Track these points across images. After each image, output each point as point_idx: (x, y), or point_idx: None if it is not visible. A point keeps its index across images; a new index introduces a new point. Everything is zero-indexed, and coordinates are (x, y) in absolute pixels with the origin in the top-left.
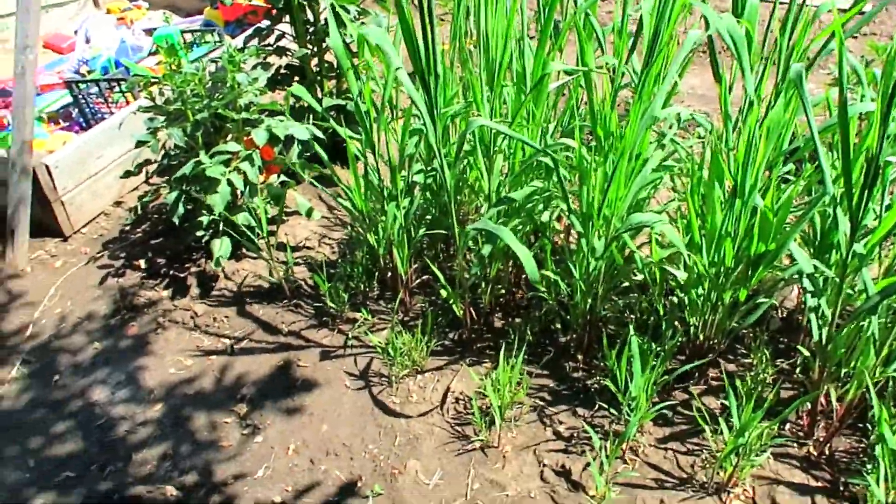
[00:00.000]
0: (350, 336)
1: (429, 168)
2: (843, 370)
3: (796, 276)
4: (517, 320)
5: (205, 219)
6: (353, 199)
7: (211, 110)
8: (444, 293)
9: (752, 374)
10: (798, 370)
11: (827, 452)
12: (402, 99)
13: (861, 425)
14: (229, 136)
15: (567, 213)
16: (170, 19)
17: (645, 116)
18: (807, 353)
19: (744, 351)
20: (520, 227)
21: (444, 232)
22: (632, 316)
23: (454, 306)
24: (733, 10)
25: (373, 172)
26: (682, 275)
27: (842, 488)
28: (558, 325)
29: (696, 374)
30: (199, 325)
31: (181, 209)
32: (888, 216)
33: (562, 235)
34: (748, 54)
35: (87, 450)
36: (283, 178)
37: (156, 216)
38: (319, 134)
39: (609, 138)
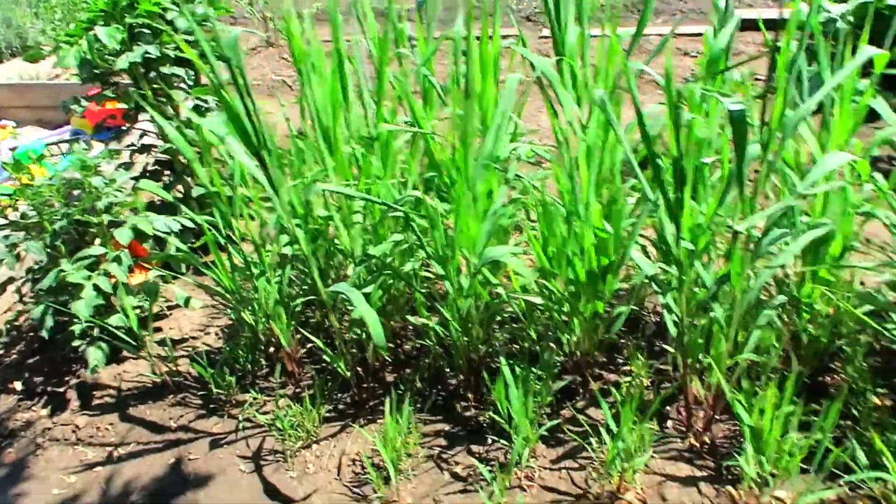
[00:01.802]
0: (241, 419)
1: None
2: (706, 361)
3: (646, 281)
4: (408, 371)
5: (77, 327)
6: (220, 281)
7: (69, 218)
8: (327, 358)
9: (630, 379)
10: (672, 370)
11: (708, 441)
12: None
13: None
14: (97, 241)
15: (427, 259)
16: (17, 136)
17: (479, 158)
18: (670, 349)
19: (623, 359)
20: (390, 281)
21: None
22: (513, 346)
23: (339, 368)
24: (555, 49)
25: (237, 252)
26: (538, 300)
27: (724, 472)
28: (447, 369)
29: (581, 390)
30: (82, 439)
31: (49, 321)
32: (707, 211)
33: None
34: (571, 88)
35: None
36: (158, 272)
37: (30, 334)
38: (189, 224)
39: (454, 184)
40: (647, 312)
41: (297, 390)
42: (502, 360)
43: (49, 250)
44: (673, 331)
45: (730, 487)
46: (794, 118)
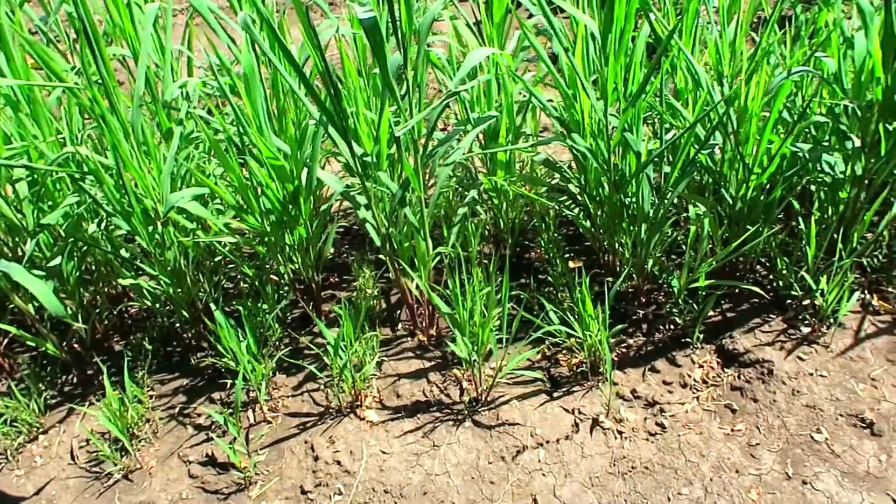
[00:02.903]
0: None
1: None
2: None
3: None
4: (138, 335)
5: None
6: None
7: None
8: (31, 342)
9: (357, 293)
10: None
11: (434, 335)
12: None
13: None
14: None
15: (108, 217)
16: None
17: (134, 100)
18: (383, 258)
19: (350, 277)
20: (82, 248)
21: None
22: (238, 287)
23: (47, 349)
24: None
25: None
26: (232, 238)
27: (449, 359)
28: (176, 324)
29: (315, 314)
30: None
31: None
32: (380, 121)
33: None
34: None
35: None
36: None
37: None
38: None
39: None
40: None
41: (14, 383)
42: (212, 305)
43: None
44: (377, 240)
45: (455, 370)
46: (424, 22)
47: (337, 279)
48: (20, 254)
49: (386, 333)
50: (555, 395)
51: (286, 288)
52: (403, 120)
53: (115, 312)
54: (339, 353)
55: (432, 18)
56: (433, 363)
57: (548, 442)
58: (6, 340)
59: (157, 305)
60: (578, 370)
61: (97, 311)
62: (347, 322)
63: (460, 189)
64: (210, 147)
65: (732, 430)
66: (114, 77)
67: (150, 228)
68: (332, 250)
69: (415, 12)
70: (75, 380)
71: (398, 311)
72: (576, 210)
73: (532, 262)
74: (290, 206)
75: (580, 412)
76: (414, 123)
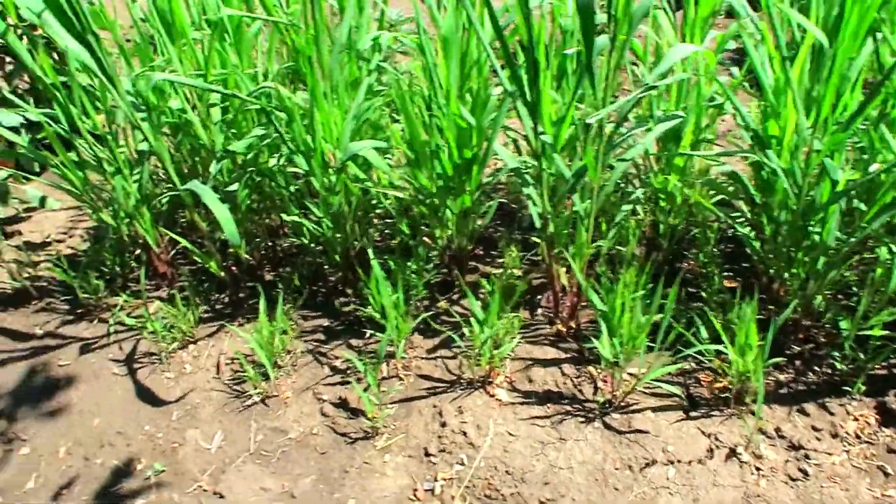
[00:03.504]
0: (112, 323)
1: None
2: (571, 251)
3: (512, 174)
4: (287, 269)
5: None
6: (68, 178)
7: None
8: (198, 258)
9: (502, 271)
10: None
11: (573, 326)
12: None
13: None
14: None
15: (289, 154)
16: None
17: (335, 46)
18: (538, 241)
19: (498, 252)
20: (256, 179)
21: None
22: (390, 241)
23: (211, 268)
24: None
25: (88, 148)
26: (401, 194)
27: (586, 354)
28: (325, 266)
29: (456, 283)
30: None
31: None
32: (565, 104)
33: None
34: None
35: None
36: (9, 172)
37: None
38: (32, 118)
39: (313, 72)
40: (521, 206)
41: (172, 292)
42: (371, 254)
43: None
44: (538, 222)
45: (591, 368)
46: (640, 8)
47: (481, 251)
48: (199, 174)
49: (524, 316)
50: (692, 414)
51: (435, 252)
52: (592, 107)
53: (270, 244)
54: (484, 328)
55: (649, 6)
56: (568, 355)
57: (679, 461)
58: (173, 251)
59: (312, 245)
60: (721, 395)
61: (257, 240)
62: (496, 298)
63: (622, 185)
64: (395, 101)
65: (882, 495)
66: (326, 20)
67: (328, 173)
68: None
69: None
70: (226, 299)
71: (538, 296)
72: (746, 228)
73: (683, 273)
74: (463, 174)
75: (717, 438)
76: (606, 113)
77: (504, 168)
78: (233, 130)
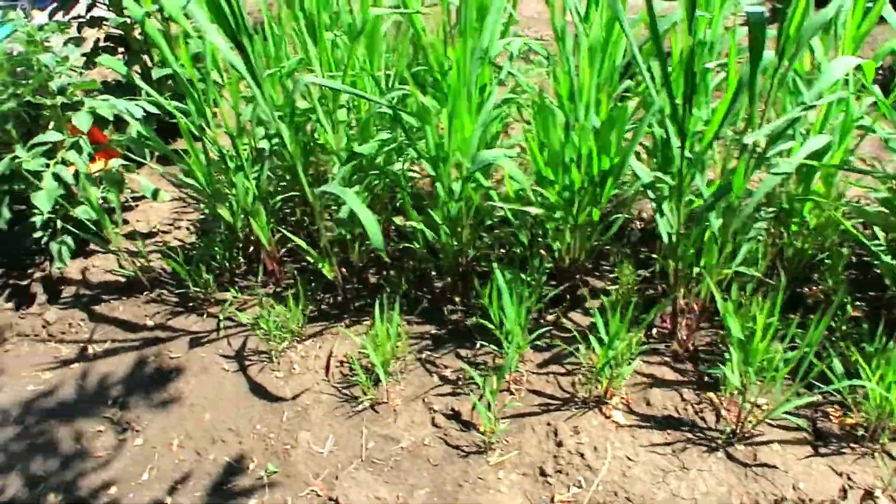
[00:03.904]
0: (221, 318)
1: (273, 132)
2: (695, 270)
3: (641, 189)
4: (392, 273)
5: (38, 219)
6: (194, 174)
7: (18, 99)
8: (310, 258)
9: (616, 287)
10: (657, 277)
11: (691, 348)
12: None
13: (718, 318)
14: (51, 124)
15: (417, 159)
16: None
17: (475, 51)
18: (661, 260)
19: (608, 266)
20: (375, 181)
21: (297, 193)
22: (501, 251)
23: (323, 269)
24: None
25: (211, 144)
26: (534, 210)
27: (706, 378)
28: (433, 272)
29: (567, 295)
30: (53, 335)
31: (6, 212)
32: (713, 120)
33: (426, 181)
34: None
35: None
36: (121, 161)
37: None
38: (153, 109)
39: (445, 77)
40: (632, 219)
41: (279, 290)
42: (495, 266)
43: None
44: (666, 240)
45: (711, 393)
46: (814, 24)
47: (590, 265)
48: (317, 175)
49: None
50: (821, 450)
51: (549, 263)
52: (754, 126)
53: None
54: (605, 347)
55: (823, 23)
56: (687, 378)
57: (811, 500)
58: (284, 249)
59: (424, 250)
60: (852, 431)
61: (367, 242)
62: (617, 316)
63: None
64: (527, 109)
65: None
66: (474, 23)
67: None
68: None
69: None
70: (331, 300)
71: (646, 313)
72: (888, 257)
73: (806, 298)
74: (597, 186)
75: (850, 478)
76: (766, 133)
77: (632, 182)
78: (352, 133)
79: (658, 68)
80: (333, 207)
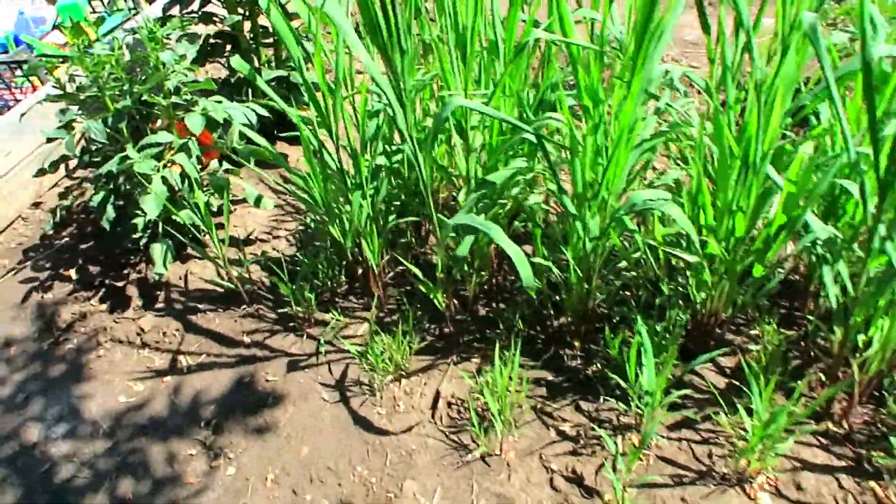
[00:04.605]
0: (322, 341)
1: (393, 149)
2: (861, 339)
3: (808, 245)
4: (502, 306)
5: (140, 221)
6: (310, 189)
7: (134, 97)
8: (423, 288)
9: (761, 348)
10: (806, 339)
11: (846, 427)
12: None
13: (875, 394)
14: (158, 123)
15: (558, 195)
16: None
17: (643, 81)
18: (820, 323)
19: (742, 318)
20: (500, 210)
21: (415, 218)
22: (637, 294)
23: (436, 300)
24: None
25: (331, 157)
26: (692, 258)
27: (865, 464)
28: (550, 311)
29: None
30: (147, 343)
31: (111, 212)
32: None
33: (550, 215)
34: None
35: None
36: (225, 164)
37: (83, 216)
38: (265, 113)
39: (598, 107)
40: (773, 272)
41: (382, 315)
42: (638, 319)
43: (110, 132)
44: (835, 303)
45: (874, 483)
46: None
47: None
48: (436, 199)
49: (782, 404)
50: None
51: (685, 314)
52: None
53: (491, 278)
54: (763, 422)
55: None
56: (844, 463)
57: None
58: (392, 273)
59: (544, 287)
60: None
61: (482, 273)
62: (769, 385)
63: None
64: (685, 144)
65: None
66: (650, 53)
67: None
68: None
69: None
70: (436, 331)
71: (798, 380)
72: None
73: None
74: (771, 241)
75: None
76: None
77: (805, 237)
78: (478, 157)
79: (867, 111)
80: (452, 235)
